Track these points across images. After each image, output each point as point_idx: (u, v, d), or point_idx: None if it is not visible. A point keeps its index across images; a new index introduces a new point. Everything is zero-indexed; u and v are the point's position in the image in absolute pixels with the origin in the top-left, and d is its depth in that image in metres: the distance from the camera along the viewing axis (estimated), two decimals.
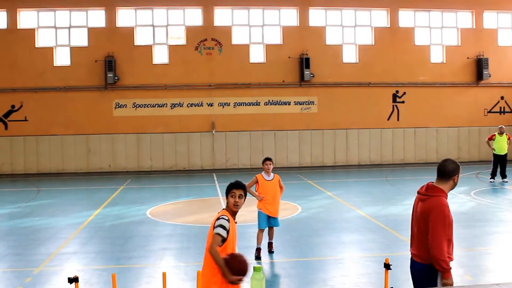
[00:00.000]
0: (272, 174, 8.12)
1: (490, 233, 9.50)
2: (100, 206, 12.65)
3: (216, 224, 4.04)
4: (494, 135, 15.71)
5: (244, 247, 8.32)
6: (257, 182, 8.07)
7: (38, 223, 10.97)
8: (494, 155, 15.52)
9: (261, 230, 8.04)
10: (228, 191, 4.20)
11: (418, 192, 4.21)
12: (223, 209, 4.25)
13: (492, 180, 15.54)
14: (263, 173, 8.12)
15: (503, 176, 15.59)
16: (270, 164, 8.09)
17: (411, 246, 4.25)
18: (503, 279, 6.38)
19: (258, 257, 7.85)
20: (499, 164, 15.49)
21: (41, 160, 19.66)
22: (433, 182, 4.16)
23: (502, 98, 21.72)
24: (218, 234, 3.99)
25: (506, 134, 15.68)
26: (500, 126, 16.03)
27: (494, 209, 11.74)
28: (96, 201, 13.43)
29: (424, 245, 4.02)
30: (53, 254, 8.39)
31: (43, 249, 8.81)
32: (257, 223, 8.13)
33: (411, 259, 4.22)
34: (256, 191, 8.05)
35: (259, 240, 7.99)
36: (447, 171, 4.08)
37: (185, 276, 7.24)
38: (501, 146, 15.43)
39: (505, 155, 15.47)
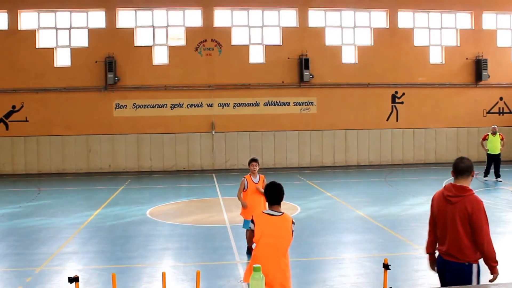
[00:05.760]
0: (258, 176, 8.02)
1: None
2: (100, 206, 12.70)
3: (294, 229, 4.55)
4: (488, 135, 16.02)
5: (244, 247, 8.37)
6: (246, 183, 7.97)
7: (38, 223, 11.01)
8: (488, 154, 15.85)
9: (248, 230, 8.08)
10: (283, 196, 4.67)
11: (446, 195, 4.24)
12: (283, 212, 4.61)
13: (486, 179, 15.80)
14: (250, 174, 8.06)
15: (497, 175, 15.82)
16: (256, 165, 7.95)
17: (440, 245, 4.35)
18: (503, 279, 6.42)
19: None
20: (493, 163, 15.77)
21: (41, 160, 19.70)
22: (452, 183, 4.25)
23: (501, 99, 21.77)
24: None
25: (500, 134, 15.96)
26: (493, 126, 16.34)
27: (493, 209, 11.78)
28: (96, 201, 13.47)
29: (461, 245, 4.13)
30: (53, 254, 8.43)
31: (43, 249, 8.85)
32: (243, 224, 8.19)
33: (441, 257, 4.33)
34: (242, 193, 8.03)
35: (250, 240, 8.03)
36: (466, 168, 4.22)
37: (184, 276, 7.28)
38: (494, 146, 15.75)
39: (499, 154, 15.79)
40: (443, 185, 4.45)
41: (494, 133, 15.84)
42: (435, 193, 4.46)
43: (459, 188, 4.19)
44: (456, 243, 4.15)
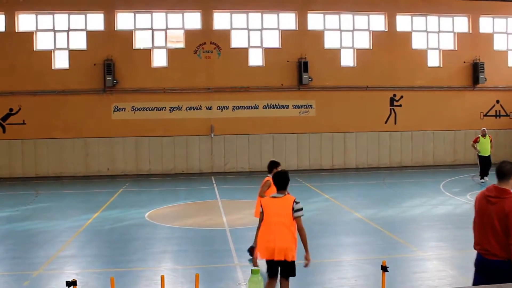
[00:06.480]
0: None
1: None
2: (99, 210, 12.67)
3: (298, 208, 5.35)
4: (479, 137, 16.32)
5: (244, 249, 8.37)
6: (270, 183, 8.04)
7: (36, 227, 10.99)
8: (479, 156, 16.11)
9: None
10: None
11: (486, 195, 4.44)
12: (288, 193, 5.53)
13: (482, 180, 15.91)
14: (271, 175, 8.13)
15: (486, 175, 15.99)
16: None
17: (479, 245, 4.49)
18: None
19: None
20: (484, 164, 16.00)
21: (39, 163, 19.64)
22: (495, 184, 4.43)
23: (497, 102, 21.85)
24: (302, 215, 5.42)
25: (489, 136, 16.23)
26: (482, 128, 16.65)
27: None
28: (94, 205, 13.45)
29: (500, 243, 4.27)
30: (51, 257, 8.41)
31: (41, 252, 8.83)
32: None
33: (482, 257, 4.44)
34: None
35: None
36: (507, 171, 4.39)
37: (183, 279, 7.28)
38: (485, 148, 16.06)
39: (489, 156, 16.01)
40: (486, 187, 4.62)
41: (484, 135, 16.14)
42: (479, 193, 4.65)
43: (500, 190, 4.35)
44: (496, 242, 4.29)
